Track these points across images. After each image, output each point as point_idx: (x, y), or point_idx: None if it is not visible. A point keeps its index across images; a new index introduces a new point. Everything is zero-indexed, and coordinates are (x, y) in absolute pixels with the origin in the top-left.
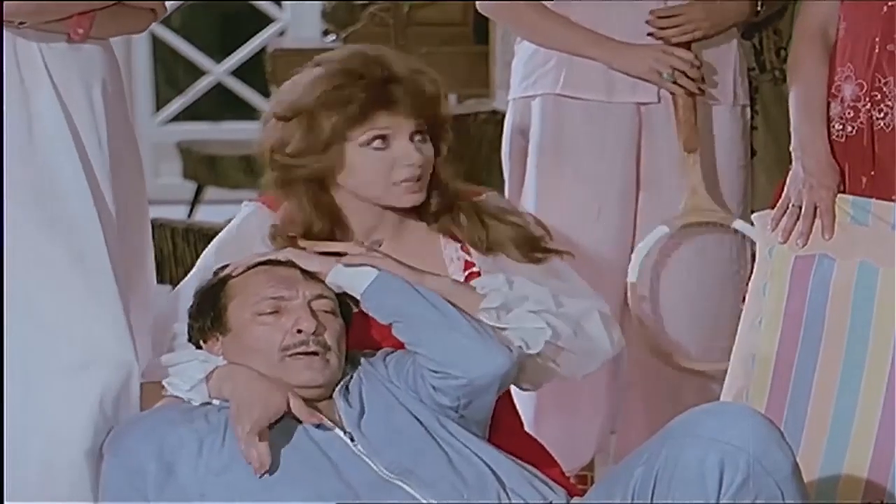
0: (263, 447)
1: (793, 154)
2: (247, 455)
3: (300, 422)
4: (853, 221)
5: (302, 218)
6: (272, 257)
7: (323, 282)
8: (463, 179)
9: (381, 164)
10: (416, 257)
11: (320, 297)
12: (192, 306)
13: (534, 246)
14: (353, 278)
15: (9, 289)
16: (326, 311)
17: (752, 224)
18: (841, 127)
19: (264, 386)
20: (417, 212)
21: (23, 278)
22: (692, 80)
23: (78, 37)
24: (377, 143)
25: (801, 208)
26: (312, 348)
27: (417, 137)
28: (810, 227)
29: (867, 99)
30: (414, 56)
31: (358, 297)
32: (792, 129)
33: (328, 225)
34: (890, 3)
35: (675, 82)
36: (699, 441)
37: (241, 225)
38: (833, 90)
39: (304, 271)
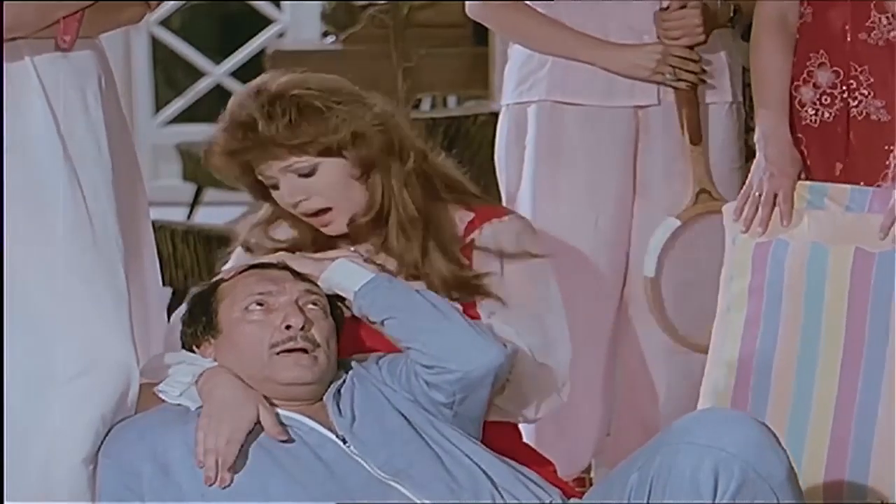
0: (226, 460)
1: (756, 144)
2: (205, 463)
3: (284, 424)
4: (809, 206)
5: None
6: (265, 260)
7: (313, 282)
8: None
9: (283, 198)
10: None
11: (309, 293)
12: (185, 312)
13: (462, 288)
14: (347, 278)
15: (8, 297)
16: (315, 308)
17: None
18: (815, 112)
19: (237, 398)
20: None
21: (22, 286)
22: (693, 72)
23: (65, 44)
24: (268, 181)
25: (761, 196)
26: (301, 345)
27: (302, 173)
28: (769, 215)
29: (843, 86)
30: (414, 62)
31: (351, 297)
32: (756, 119)
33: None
34: None
35: (678, 79)
36: (693, 448)
37: None
38: (805, 75)
39: (295, 273)
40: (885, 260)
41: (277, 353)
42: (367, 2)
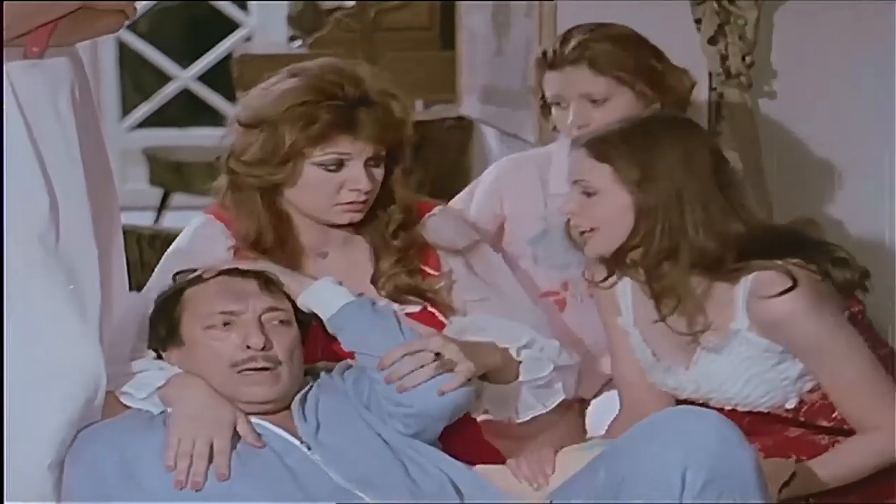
0: (200, 465)
1: None
2: (178, 466)
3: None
4: None
5: (254, 227)
6: (244, 267)
7: (277, 293)
8: (429, 185)
9: (330, 184)
10: (363, 271)
11: (271, 309)
12: (152, 313)
13: (410, 292)
14: (321, 302)
15: None
16: (278, 323)
17: None
18: None
19: (212, 403)
20: (360, 227)
21: None
22: None
23: (34, 55)
24: (333, 165)
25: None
26: (262, 364)
27: (372, 163)
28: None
29: None
30: (381, 66)
31: (324, 320)
32: None
33: (278, 235)
34: None
35: None
36: (661, 444)
37: (193, 237)
38: None
39: (262, 283)
40: None
41: (238, 372)
42: (333, 4)
